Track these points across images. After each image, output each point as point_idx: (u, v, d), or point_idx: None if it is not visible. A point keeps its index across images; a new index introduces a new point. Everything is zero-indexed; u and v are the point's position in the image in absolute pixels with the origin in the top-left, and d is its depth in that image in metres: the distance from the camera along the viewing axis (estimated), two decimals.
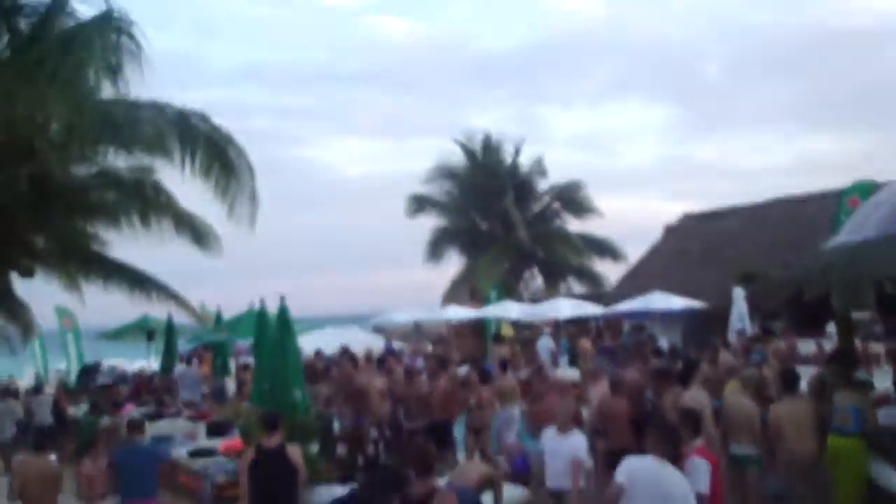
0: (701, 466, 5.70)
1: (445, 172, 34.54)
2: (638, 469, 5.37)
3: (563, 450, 7.29)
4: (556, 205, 34.31)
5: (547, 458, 7.57)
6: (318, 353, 17.98)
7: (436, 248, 34.39)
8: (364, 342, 22.66)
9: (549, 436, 7.55)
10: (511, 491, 8.56)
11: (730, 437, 8.22)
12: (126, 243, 14.98)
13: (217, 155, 11.57)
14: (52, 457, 9.61)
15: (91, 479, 8.82)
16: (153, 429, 12.73)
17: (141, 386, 19.80)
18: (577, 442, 7.34)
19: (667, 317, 20.82)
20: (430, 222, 34.71)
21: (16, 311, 16.52)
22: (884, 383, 11.97)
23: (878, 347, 14.24)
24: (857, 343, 11.69)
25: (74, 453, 13.39)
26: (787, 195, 27.08)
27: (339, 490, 8.77)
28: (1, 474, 14.39)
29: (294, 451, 7.37)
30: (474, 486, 7.37)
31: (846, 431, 7.97)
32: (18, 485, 8.36)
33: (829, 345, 13.88)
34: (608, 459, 8.36)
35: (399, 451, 8.18)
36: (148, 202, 13.57)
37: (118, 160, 13.11)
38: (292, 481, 7.21)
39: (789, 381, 8.42)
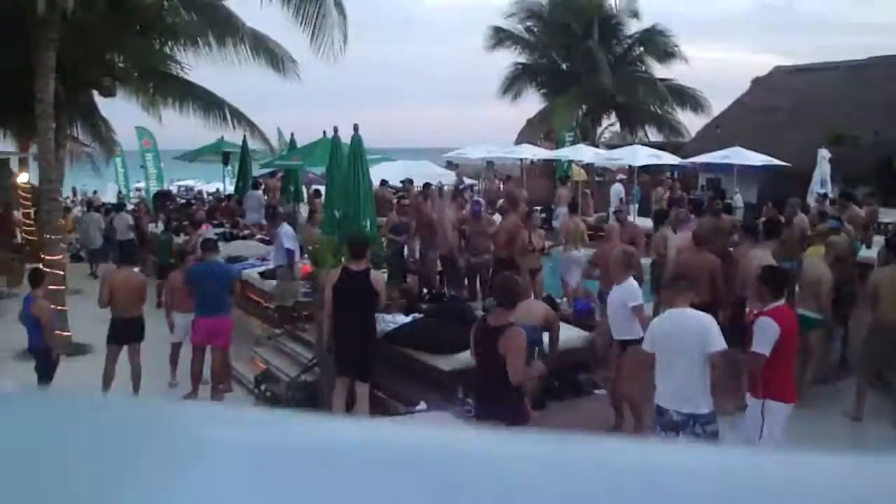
0: (765, 327, 5.69)
1: (527, 6, 33.22)
2: (655, 330, 5.67)
3: (616, 298, 7.34)
4: (640, 49, 32.93)
5: (608, 310, 7.63)
6: (384, 183, 18.08)
7: (513, 86, 33.62)
8: (436, 176, 22.76)
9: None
10: (571, 332, 8.75)
11: (799, 299, 8.17)
12: (202, 67, 15.03)
13: None
14: (136, 269, 10.14)
15: (179, 288, 9.36)
16: (227, 249, 13.21)
17: (216, 207, 20.43)
18: (628, 289, 7.26)
19: (745, 173, 20.28)
20: (509, 58, 33.79)
21: (99, 130, 16.94)
22: None
23: None
24: None
25: (156, 267, 14.13)
26: (890, 55, 25.34)
27: (403, 319, 9.10)
28: (90, 278, 15.29)
29: (377, 277, 7.69)
30: (538, 324, 7.53)
31: None
32: (107, 292, 8.91)
33: None
34: None
35: (490, 281, 8.24)
36: (223, 24, 13.45)
37: None
38: (372, 303, 7.57)
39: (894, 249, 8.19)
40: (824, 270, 8.22)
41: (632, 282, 7.42)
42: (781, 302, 5.91)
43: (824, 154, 16.75)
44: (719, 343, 5.45)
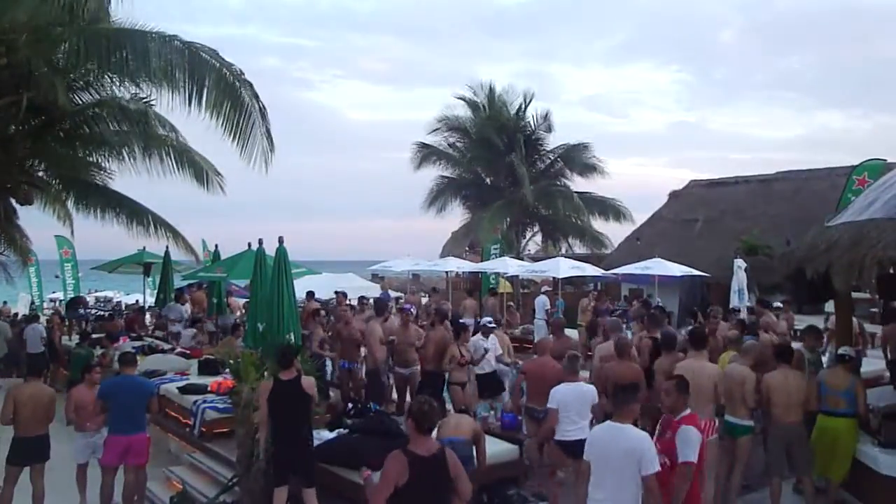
0: (691, 435, 5.67)
1: (452, 124, 34.18)
2: (593, 438, 5.58)
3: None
4: (561, 163, 34.03)
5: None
6: (311, 296, 17.87)
7: (438, 199, 34.19)
8: (361, 289, 22.65)
9: None
10: (499, 446, 8.63)
11: (725, 406, 8.24)
12: (126, 177, 14.88)
13: (228, 93, 11.28)
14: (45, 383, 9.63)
15: (84, 405, 8.86)
16: (145, 363, 12.76)
17: (134, 319, 19.84)
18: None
19: (665, 283, 20.78)
20: (434, 172, 34.48)
21: (14, 238, 16.41)
22: (878, 364, 12.02)
23: (874, 328, 14.22)
24: (855, 322, 11.62)
25: (69, 383, 13.49)
26: (796, 169, 26.92)
27: (327, 435, 8.83)
28: None
29: (308, 382, 7.79)
30: (468, 439, 7.51)
31: (839, 413, 8.01)
32: (11, 408, 8.41)
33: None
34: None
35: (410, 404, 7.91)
36: (150, 135, 13.35)
37: (121, 90, 12.89)
38: (307, 409, 7.76)
39: (782, 354, 8.46)
40: (745, 371, 8.34)
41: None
42: (688, 410, 5.94)
43: (740, 264, 17.28)
44: (654, 466, 5.27)
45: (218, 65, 11.25)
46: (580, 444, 7.16)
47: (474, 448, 7.65)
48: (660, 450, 5.55)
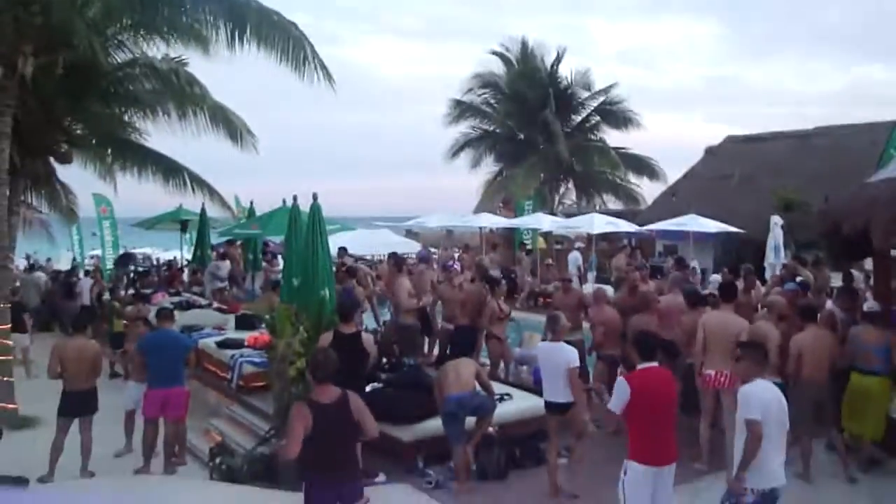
0: (616, 387, 5.79)
1: (485, 79, 33.90)
2: (764, 399, 5.43)
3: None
4: (597, 118, 33.66)
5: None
6: (343, 252, 17.90)
7: (467, 148, 34.14)
8: (396, 244, 22.74)
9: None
10: (532, 400, 8.72)
11: None
12: (162, 135, 14.94)
13: (275, 26, 11.22)
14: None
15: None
16: (183, 318, 12.99)
17: (174, 276, 20.16)
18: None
19: (700, 240, 20.62)
20: (467, 128, 34.35)
21: (56, 197, 16.61)
22: None
23: None
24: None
25: (110, 336, 13.81)
26: (835, 125, 26.34)
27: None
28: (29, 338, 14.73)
29: (367, 338, 7.95)
30: (473, 391, 7.78)
31: (872, 370, 7.94)
32: (56, 364, 8.65)
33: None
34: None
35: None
36: (182, 93, 13.37)
37: (153, 50, 12.96)
38: (363, 364, 7.87)
39: (807, 313, 8.39)
40: (769, 328, 8.27)
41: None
42: (651, 364, 5.78)
43: (777, 220, 17.08)
44: None
45: (256, 6, 11.31)
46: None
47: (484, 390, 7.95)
48: None
